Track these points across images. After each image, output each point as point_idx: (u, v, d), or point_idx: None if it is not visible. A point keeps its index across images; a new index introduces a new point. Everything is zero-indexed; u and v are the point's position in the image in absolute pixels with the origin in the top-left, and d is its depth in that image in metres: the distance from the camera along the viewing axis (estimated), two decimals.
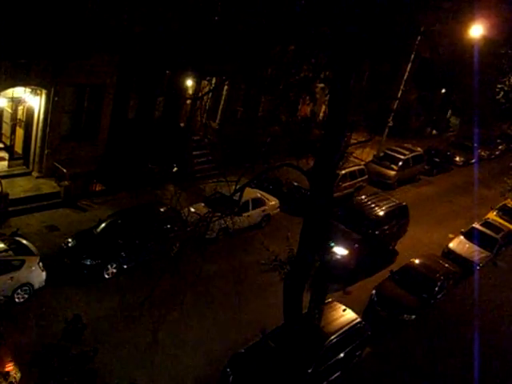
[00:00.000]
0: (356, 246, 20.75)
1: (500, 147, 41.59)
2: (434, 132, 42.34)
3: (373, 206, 22.84)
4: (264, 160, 21.03)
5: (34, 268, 15.71)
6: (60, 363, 10.41)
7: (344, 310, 16.26)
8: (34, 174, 21.50)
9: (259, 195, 22.72)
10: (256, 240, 20.97)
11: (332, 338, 15.05)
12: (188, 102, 26.15)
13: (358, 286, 20.09)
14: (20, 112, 21.29)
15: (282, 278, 14.20)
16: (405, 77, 30.48)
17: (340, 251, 20.41)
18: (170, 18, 21.99)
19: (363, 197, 23.98)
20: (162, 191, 22.93)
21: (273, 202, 23.35)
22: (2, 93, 19.42)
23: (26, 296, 15.65)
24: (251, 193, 21.69)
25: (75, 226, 19.26)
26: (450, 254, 22.75)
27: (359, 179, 27.33)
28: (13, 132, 21.56)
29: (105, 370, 13.56)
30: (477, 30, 21.49)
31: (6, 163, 21.24)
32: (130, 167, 23.15)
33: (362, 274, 20.78)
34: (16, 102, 20.72)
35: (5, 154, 21.52)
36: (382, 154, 31.22)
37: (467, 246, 23.26)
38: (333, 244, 20.03)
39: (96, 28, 19.99)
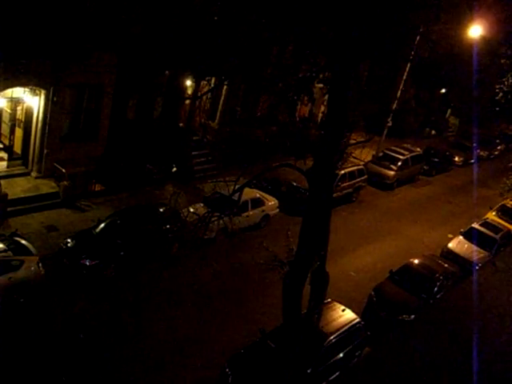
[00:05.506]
0: None
1: (499, 147, 41.64)
2: (433, 132, 42.36)
3: None
4: (263, 160, 21.00)
5: (33, 268, 15.69)
6: None
7: (343, 310, 16.25)
8: (33, 174, 21.48)
9: (258, 195, 22.70)
10: (255, 240, 20.96)
11: (331, 338, 15.04)
12: (187, 102, 26.15)
13: None
14: (19, 112, 21.29)
15: (281, 277, 14.20)
16: (404, 77, 30.47)
17: None
18: (169, 18, 21.98)
19: None
20: (161, 191, 22.95)
21: (272, 202, 23.33)
22: (1, 93, 19.40)
23: (25, 296, 15.62)
24: (250, 193, 21.66)
25: (74, 227, 19.25)
26: (449, 254, 22.73)
27: (358, 179, 27.31)
28: (12, 132, 21.57)
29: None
30: (476, 30, 21.51)
31: (4, 163, 21.22)
32: (129, 167, 23.15)
33: None
34: (15, 102, 20.73)
35: (4, 155, 21.49)
36: (381, 154, 31.22)
37: (466, 246, 23.24)
38: None
39: (95, 28, 19.99)
